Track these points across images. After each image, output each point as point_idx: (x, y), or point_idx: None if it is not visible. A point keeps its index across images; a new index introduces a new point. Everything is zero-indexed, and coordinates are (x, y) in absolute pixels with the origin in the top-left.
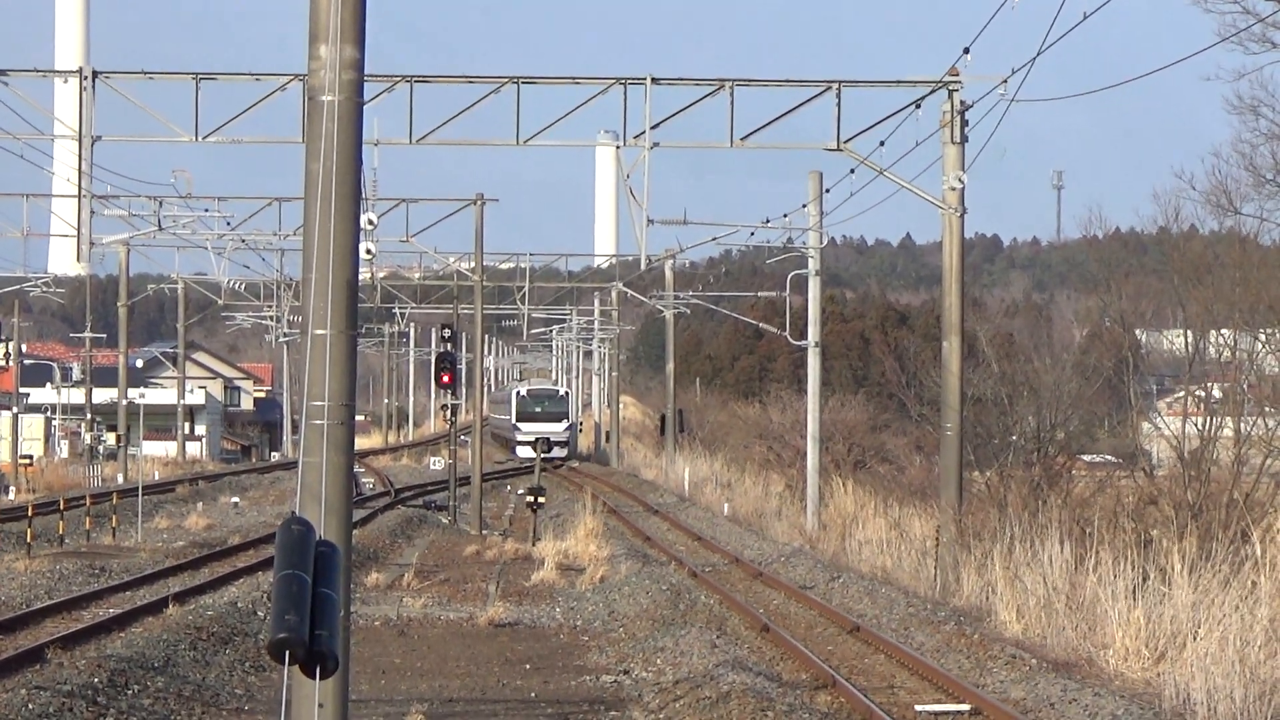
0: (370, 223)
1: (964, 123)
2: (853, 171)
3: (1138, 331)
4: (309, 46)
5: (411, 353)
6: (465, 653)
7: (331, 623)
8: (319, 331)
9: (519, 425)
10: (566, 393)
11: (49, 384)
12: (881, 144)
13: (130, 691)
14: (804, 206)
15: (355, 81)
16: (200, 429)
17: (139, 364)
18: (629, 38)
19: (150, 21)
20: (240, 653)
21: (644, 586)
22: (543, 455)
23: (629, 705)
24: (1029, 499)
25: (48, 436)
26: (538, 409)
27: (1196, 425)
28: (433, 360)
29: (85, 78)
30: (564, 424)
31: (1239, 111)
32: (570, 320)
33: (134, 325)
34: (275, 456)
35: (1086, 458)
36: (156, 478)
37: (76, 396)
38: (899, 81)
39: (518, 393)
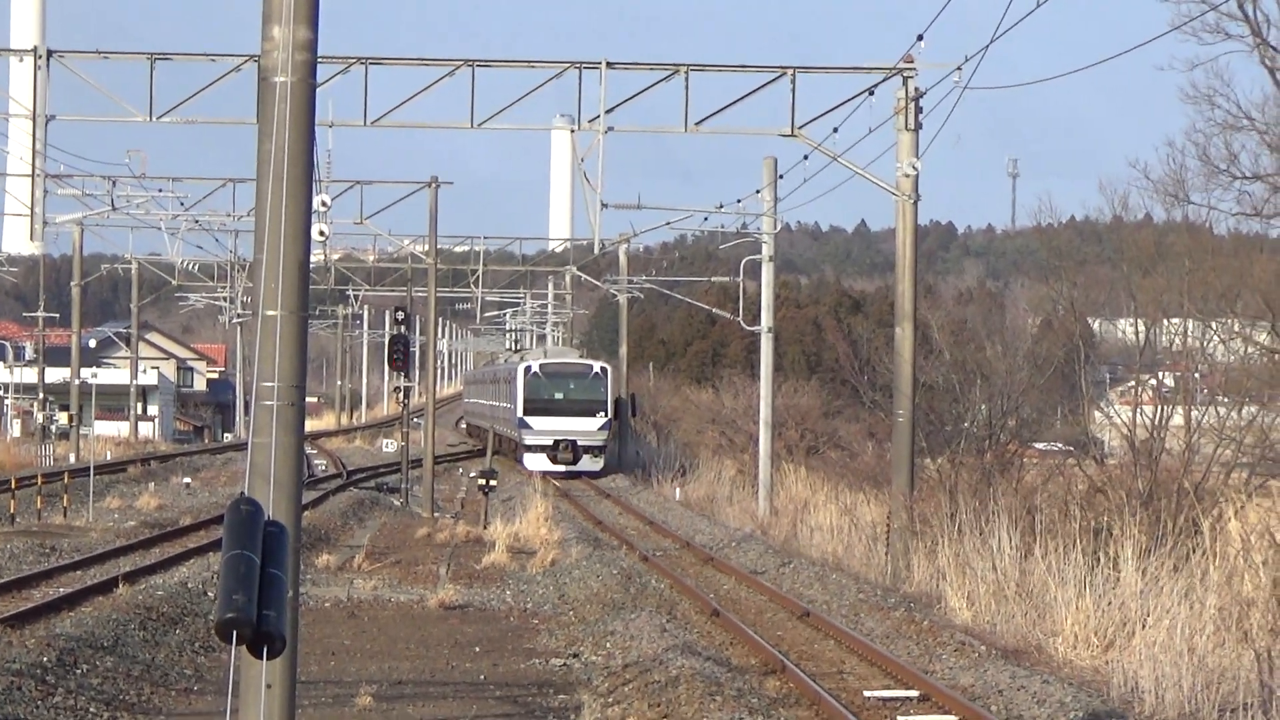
0: (324, 204)
1: (918, 109)
2: (806, 158)
3: (1090, 320)
4: (262, 27)
5: (365, 335)
6: (415, 635)
7: (279, 603)
8: (270, 312)
9: (528, 420)
10: (603, 369)
11: (1, 363)
12: (835, 130)
13: (79, 671)
14: (758, 192)
15: (308, 63)
16: (153, 409)
17: (92, 344)
18: (584, 22)
19: (106, 1)
20: (190, 633)
21: (594, 570)
22: (566, 468)
23: (578, 689)
24: (980, 486)
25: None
26: (557, 395)
27: (1147, 414)
28: (386, 342)
29: (40, 57)
30: (598, 419)
31: (1194, 101)
32: (524, 304)
33: (87, 305)
34: (228, 437)
35: (1038, 445)
36: (108, 458)
37: (29, 376)
38: (853, 68)
39: (527, 370)
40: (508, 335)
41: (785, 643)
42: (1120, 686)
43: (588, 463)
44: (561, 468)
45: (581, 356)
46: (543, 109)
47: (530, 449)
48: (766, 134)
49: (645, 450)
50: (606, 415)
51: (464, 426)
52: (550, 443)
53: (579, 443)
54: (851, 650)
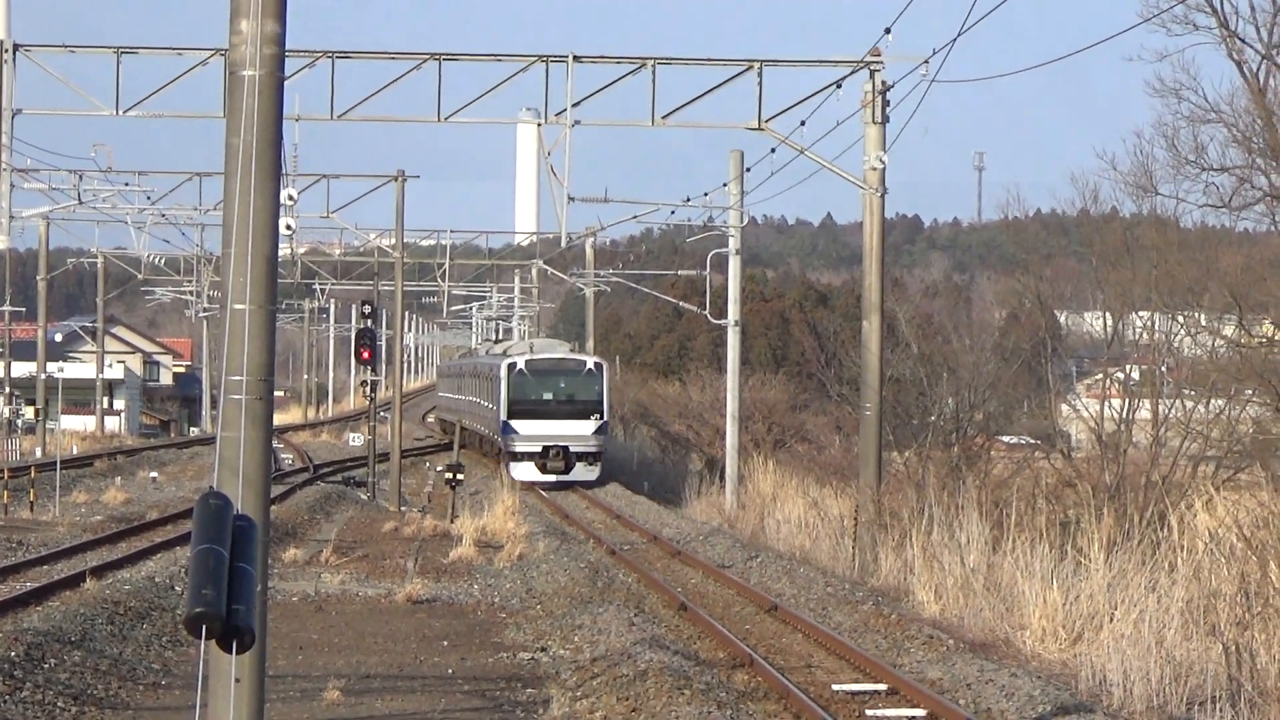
0: (290, 198)
1: (885, 103)
2: (773, 151)
3: (1057, 313)
4: (230, 21)
5: (331, 329)
6: (383, 629)
7: (249, 598)
8: (238, 306)
9: (513, 425)
10: (597, 364)
11: None
12: (802, 123)
13: (47, 665)
14: (725, 185)
15: (276, 56)
16: (119, 403)
17: (58, 338)
18: (552, 15)
19: None
20: (157, 627)
21: (562, 564)
22: (558, 478)
23: (546, 682)
24: (947, 480)
25: None
26: (546, 395)
27: (1114, 407)
28: (353, 336)
29: (6, 50)
30: (593, 422)
31: (1161, 94)
32: (490, 297)
33: (53, 299)
34: (194, 431)
35: (1005, 439)
36: (75, 452)
37: None
38: (820, 61)
39: (511, 367)
40: (487, 325)
41: (753, 636)
42: (1088, 679)
43: (581, 471)
44: (552, 477)
45: (572, 350)
46: (509, 102)
47: (516, 456)
48: (734, 127)
49: (611, 446)
50: (602, 417)
51: (430, 420)
52: (539, 449)
53: (571, 449)
54: (819, 644)
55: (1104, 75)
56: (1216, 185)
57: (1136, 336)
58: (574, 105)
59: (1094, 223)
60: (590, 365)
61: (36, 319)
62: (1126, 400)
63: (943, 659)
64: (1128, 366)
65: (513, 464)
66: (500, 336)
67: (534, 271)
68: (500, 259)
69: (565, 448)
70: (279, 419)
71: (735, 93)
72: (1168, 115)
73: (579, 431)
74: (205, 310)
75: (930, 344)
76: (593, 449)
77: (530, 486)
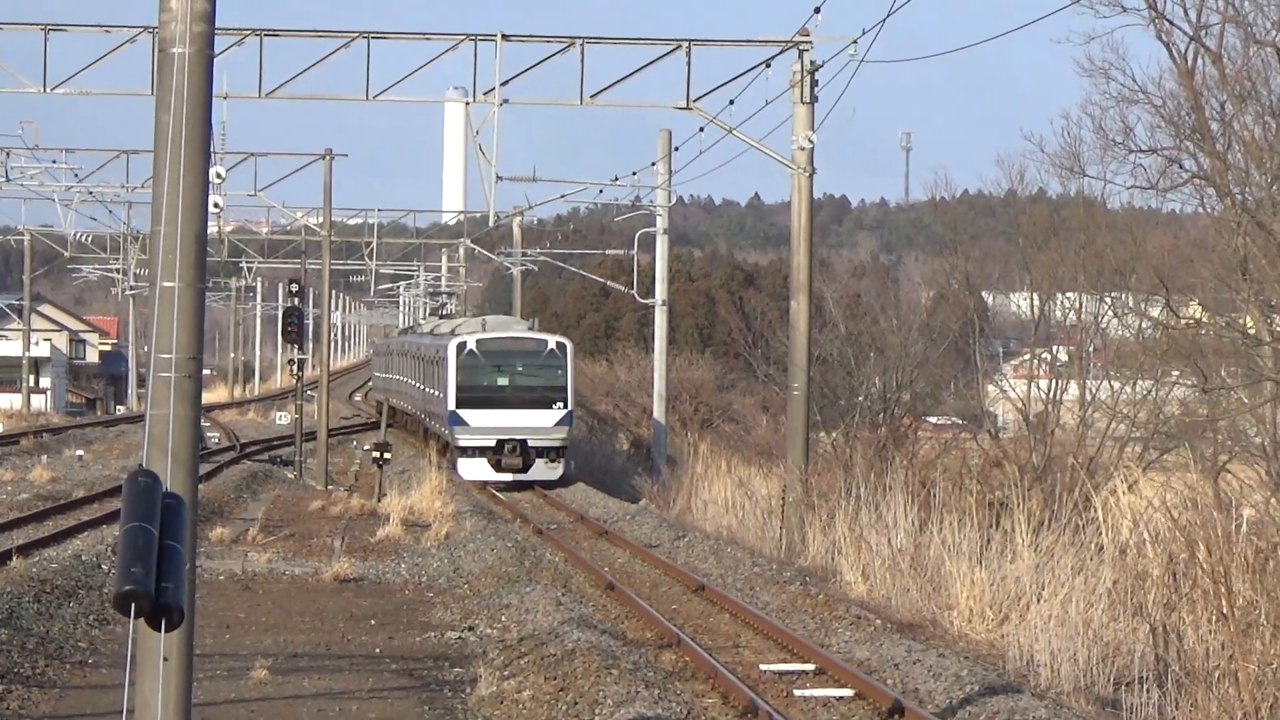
0: (219, 176)
1: (814, 83)
2: (702, 130)
3: (984, 294)
4: None
5: (258, 307)
6: (310, 608)
7: (178, 576)
8: (167, 284)
9: (463, 415)
10: (560, 345)
11: None
12: (731, 103)
13: None
14: (653, 165)
15: (206, 34)
16: (45, 381)
17: None
18: None
19: None
20: (84, 606)
21: (489, 543)
22: (514, 476)
23: (474, 662)
24: (875, 460)
25: None
26: (501, 380)
27: (1041, 388)
28: (280, 315)
29: None
30: (555, 412)
31: (1089, 74)
32: (418, 277)
33: None
34: (120, 410)
35: (933, 419)
36: (0, 430)
37: None
38: (749, 41)
39: (461, 347)
40: (422, 300)
41: (681, 616)
42: (1016, 660)
43: (542, 469)
44: (508, 476)
45: (531, 329)
46: (438, 81)
47: (466, 452)
48: (662, 106)
49: None
50: (566, 406)
51: (359, 399)
52: (493, 443)
53: (530, 443)
54: (747, 624)
55: (1033, 58)
56: (1144, 167)
57: (1064, 317)
58: (502, 84)
59: (1021, 204)
60: (552, 345)
61: None
62: (1053, 381)
63: (870, 639)
64: (1055, 347)
65: (461, 460)
66: (445, 309)
67: (461, 251)
68: (428, 238)
69: (523, 442)
70: (205, 397)
71: (664, 72)
72: (1096, 95)
73: (539, 423)
74: (132, 288)
75: (858, 324)
76: (555, 443)
77: (483, 486)
